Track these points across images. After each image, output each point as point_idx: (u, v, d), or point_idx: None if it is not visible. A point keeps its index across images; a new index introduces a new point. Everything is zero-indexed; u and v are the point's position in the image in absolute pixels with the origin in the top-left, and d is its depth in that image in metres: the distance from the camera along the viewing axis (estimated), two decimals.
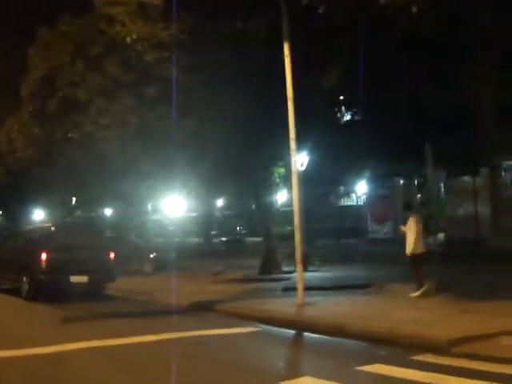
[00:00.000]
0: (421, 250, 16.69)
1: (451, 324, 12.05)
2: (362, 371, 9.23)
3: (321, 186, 39.01)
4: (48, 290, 19.00)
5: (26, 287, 19.91)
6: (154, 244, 37.99)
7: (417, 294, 16.33)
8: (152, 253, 29.00)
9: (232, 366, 10.01)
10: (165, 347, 11.52)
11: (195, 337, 12.66)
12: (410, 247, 16.60)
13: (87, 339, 12.09)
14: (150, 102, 23.69)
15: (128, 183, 30.18)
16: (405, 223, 17.08)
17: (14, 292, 20.98)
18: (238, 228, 68.36)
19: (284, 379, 8.71)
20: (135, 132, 23.97)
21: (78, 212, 52.83)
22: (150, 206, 53.12)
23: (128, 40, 22.71)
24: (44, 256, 19.12)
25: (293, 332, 13.60)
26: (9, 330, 14.03)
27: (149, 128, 24.00)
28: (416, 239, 16.51)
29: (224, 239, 59.37)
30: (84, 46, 25.12)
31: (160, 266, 28.12)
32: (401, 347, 10.86)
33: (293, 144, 15.65)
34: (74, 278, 19.22)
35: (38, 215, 60.53)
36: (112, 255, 20.70)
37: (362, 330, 12.15)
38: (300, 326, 13.62)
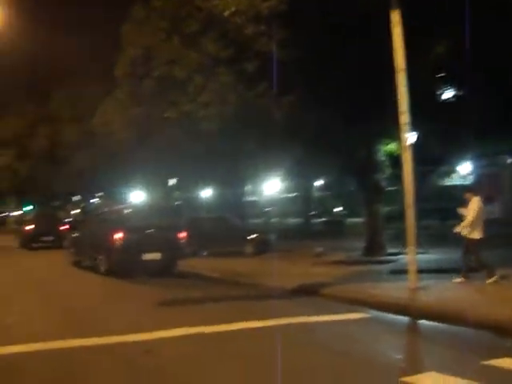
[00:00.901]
0: (478, 235, 15.82)
1: None
2: (489, 366, 8.21)
3: (424, 164, 37.65)
4: (123, 266, 20.76)
5: (102, 264, 21.57)
6: (254, 225, 37.47)
7: (492, 280, 15.37)
8: (252, 234, 28.37)
9: (343, 356, 9.13)
10: (270, 334, 10.68)
11: (301, 323, 11.85)
12: (465, 230, 15.88)
13: (185, 325, 11.36)
14: (249, 78, 22.96)
15: (227, 163, 29.71)
16: (465, 206, 16.15)
17: (93, 269, 22.51)
18: (337, 208, 67.13)
19: (405, 374, 7.79)
20: (234, 110, 23.26)
21: (177, 193, 52.79)
22: (248, 187, 52.90)
23: (226, 13, 21.93)
24: (119, 235, 20.67)
25: (406, 319, 12.48)
26: (98, 314, 13.57)
27: (248, 106, 23.26)
28: (473, 223, 15.75)
29: (323, 220, 58.41)
30: (179, 23, 24.62)
31: (260, 247, 27.53)
32: None
33: (404, 118, 14.61)
34: (147, 256, 20.73)
35: (136, 196, 61.15)
36: (183, 235, 22.05)
37: (484, 317, 11.05)
38: (414, 312, 12.49)
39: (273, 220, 56.88)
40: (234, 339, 10.50)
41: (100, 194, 65.63)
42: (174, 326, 11.25)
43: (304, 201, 57.79)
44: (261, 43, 22.22)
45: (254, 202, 62.50)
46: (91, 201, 67.70)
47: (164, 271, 21.09)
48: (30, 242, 38.95)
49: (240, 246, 27.58)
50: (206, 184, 55.36)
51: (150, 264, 20.83)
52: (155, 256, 20.90)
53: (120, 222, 22.12)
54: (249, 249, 27.57)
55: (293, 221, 62.49)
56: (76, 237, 26.53)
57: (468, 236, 15.85)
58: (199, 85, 23.66)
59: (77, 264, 24.88)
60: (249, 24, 21.75)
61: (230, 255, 26.20)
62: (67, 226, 33.85)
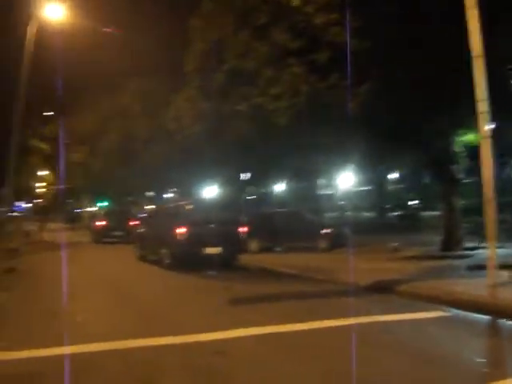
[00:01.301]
0: None
1: None
2: None
3: (501, 156, 36.48)
4: (185, 260, 21.59)
5: (166, 258, 22.32)
6: (329, 219, 36.95)
7: None
8: (327, 228, 27.84)
9: (422, 358, 8.66)
10: (345, 334, 10.23)
11: (377, 322, 11.38)
12: None
13: (259, 324, 11.00)
14: (321, 69, 22.46)
15: (300, 157, 29.28)
16: None
17: (157, 263, 23.14)
18: (412, 202, 65.97)
19: (491, 380, 7.29)
20: (307, 102, 22.79)
21: (250, 188, 52.59)
22: (322, 180, 52.40)
23: (295, 2, 21.49)
24: (181, 230, 21.53)
25: (486, 318, 11.85)
26: (169, 311, 13.31)
27: (320, 98, 22.77)
28: None
29: (397, 213, 57.55)
30: (248, 16, 24.28)
31: (335, 242, 27.00)
32: None
33: (482, 106, 13.89)
34: (208, 250, 21.35)
35: (210, 192, 61.23)
36: (243, 230, 22.77)
37: None
38: (494, 310, 11.87)
39: (346, 214, 56.18)
40: (309, 339, 10.10)
41: (173, 189, 65.93)
42: (247, 325, 10.91)
43: (378, 194, 56.89)
44: (332, 33, 21.74)
45: (328, 195, 61.95)
46: (165, 196, 68.00)
47: (225, 265, 21.43)
48: (100, 237, 40.72)
49: (314, 240, 27.11)
50: (278, 178, 55.08)
51: (210, 258, 21.22)
52: (216, 250, 21.44)
53: (182, 217, 22.69)
54: (323, 244, 27.06)
55: (367, 214, 61.77)
56: (141, 232, 27.45)
57: None
58: (270, 77, 23.26)
59: (142, 258, 25.58)
60: (319, 13, 21.30)
61: (303, 250, 25.84)
62: (137, 222, 34.02)
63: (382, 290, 15.38)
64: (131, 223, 35.57)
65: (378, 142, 25.51)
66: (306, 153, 28.26)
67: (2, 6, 31.73)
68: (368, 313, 12.19)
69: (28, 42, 28.45)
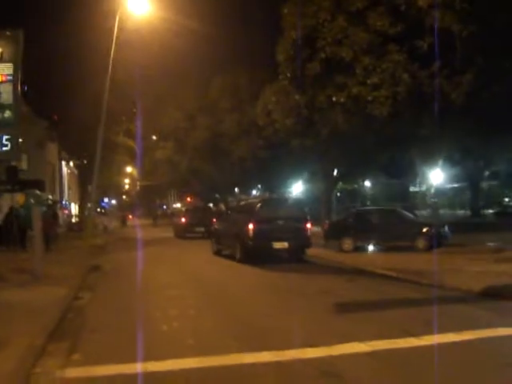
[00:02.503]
0: None
1: None
2: None
3: None
4: (255, 253, 22.79)
5: (238, 252, 23.53)
6: (427, 218, 35.30)
7: None
8: (425, 227, 26.29)
9: None
10: (467, 351, 8.84)
11: (502, 337, 9.78)
12: None
13: (366, 337, 9.61)
14: (422, 56, 21.07)
15: (393, 150, 27.91)
16: None
17: (231, 257, 24.27)
18: (507, 198, 63.50)
19: None
20: (407, 91, 21.38)
21: (340, 184, 51.20)
22: (415, 176, 50.68)
23: None
24: (252, 226, 22.53)
25: None
26: (262, 319, 11.88)
27: (421, 87, 21.36)
28: None
29: (493, 211, 55.32)
30: (343, 1, 23.02)
31: (434, 241, 25.43)
32: None
33: None
34: (277, 245, 22.61)
35: (296, 188, 60.32)
36: (308, 225, 23.63)
37: None
38: None
39: (440, 211, 54.23)
40: (427, 357, 8.60)
41: (259, 186, 65.19)
42: (355, 339, 9.53)
43: (473, 191, 54.62)
44: (435, 17, 20.35)
45: (419, 192, 60.04)
46: (253, 192, 67.35)
47: (292, 259, 23.17)
48: (183, 233, 42.94)
49: (412, 240, 25.64)
50: (368, 174, 53.61)
51: (279, 252, 23.34)
52: (283, 245, 22.69)
53: (253, 214, 23.46)
54: (421, 243, 25.47)
55: (460, 212, 59.68)
56: (217, 228, 28.79)
57: None
58: (368, 65, 21.91)
59: (218, 253, 26.87)
60: None
61: (400, 250, 24.44)
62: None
63: (498, 297, 13.85)
64: (213, 219, 35.58)
65: (482, 134, 23.96)
66: (403, 146, 26.84)
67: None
68: (489, 325, 10.67)
69: (115, 36, 29.30)
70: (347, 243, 25.89)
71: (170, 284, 17.31)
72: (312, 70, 23.82)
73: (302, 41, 24.28)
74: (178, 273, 20.81)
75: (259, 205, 24.51)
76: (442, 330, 10.07)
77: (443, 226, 26.67)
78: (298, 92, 26.76)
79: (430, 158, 35.13)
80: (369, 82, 21.94)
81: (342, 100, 23.19)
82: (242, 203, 30.61)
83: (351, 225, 26.41)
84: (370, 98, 21.96)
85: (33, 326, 10.42)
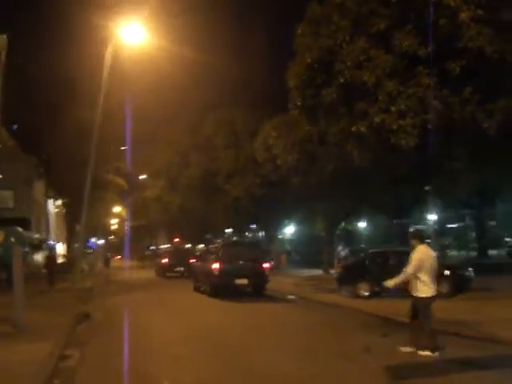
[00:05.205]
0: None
1: None
2: None
3: None
4: (220, 289, 26.63)
5: (207, 288, 27.92)
6: (448, 259, 33.24)
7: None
8: (447, 269, 24.03)
9: None
10: None
11: None
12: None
13: None
14: (453, 80, 19.11)
15: (409, 188, 25.96)
16: None
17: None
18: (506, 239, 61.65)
19: None
20: (439, 119, 19.30)
21: (343, 224, 49.08)
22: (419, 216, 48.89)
23: None
24: (217, 265, 26.60)
25: None
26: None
27: (453, 114, 19.34)
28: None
29: (505, 251, 54.21)
30: (364, 21, 21.08)
31: (458, 285, 23.18)
32: None
33: None
34: (238, 281, 26.55)
35: (290, 229, 59.02)
36: (266, 265, 27.79)
37: None
38: None
39: (448, 252, 52.39)
40: None
41: (253, 226, 63.33)
42: None
43: (479, 230, 52.57)
44: (469, 36, 18.46)
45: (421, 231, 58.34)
46: (246, 234, 65.81)
47: (253, 293, 27.20)
48: (164, 272, 47.39)
49: None
50: (367, 213, 51.71)
51: (240, 287, 26.99)
52: (243, 281, 26.64)
53: (218, 255, 27.66)
54: (444, 287, 23.11)
55: (462, 253, 57.75)
56: (195, 267, 33.31)
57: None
58: (393, 90, 19.82)
59: (196, 289, 30.59)
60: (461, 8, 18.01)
61: None
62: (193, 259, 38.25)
63: None
64: (191, 260, 39.36)
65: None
66: (423, 181, 24.93)
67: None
68: None
69: (105, 67, 28.03)
70: (363, 288, 23.76)
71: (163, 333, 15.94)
72: (328, 96, 21.69)
73: (317, 63, 22.26)
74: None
75: (223, 248, 28.92)
76: None
77: (466, 268, 24.49)
78: (309, 122, 24.68)
79: (450, 194, 33.12)
80: (393, 109, 19.81)
81: (362, 129, 20.96)
82: (212, 246, 35.86)
83: (367, 268, 24.35)
84: (394, 127, 19.79)
85: None
